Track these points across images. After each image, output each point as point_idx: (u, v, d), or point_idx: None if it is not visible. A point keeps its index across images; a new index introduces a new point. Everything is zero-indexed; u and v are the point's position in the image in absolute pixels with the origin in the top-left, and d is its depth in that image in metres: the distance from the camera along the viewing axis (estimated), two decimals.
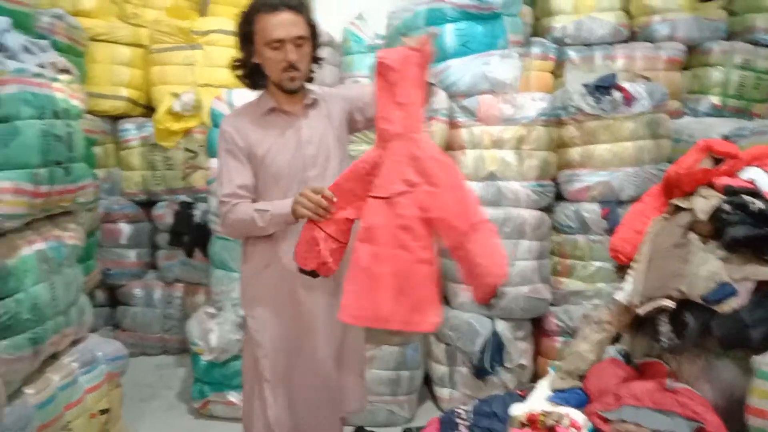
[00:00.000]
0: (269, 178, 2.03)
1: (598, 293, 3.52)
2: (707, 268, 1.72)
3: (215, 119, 3.28)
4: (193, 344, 3.39)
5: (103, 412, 2.83)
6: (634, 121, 3.39)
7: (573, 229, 3.54)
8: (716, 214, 1.81)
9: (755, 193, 1.81)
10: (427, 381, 3.69)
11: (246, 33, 1.98)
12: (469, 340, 3.40)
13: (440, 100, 3.27)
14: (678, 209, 1.99)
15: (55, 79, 2.45)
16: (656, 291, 1.79)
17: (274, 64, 1.97)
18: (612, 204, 3.45)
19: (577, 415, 1.87)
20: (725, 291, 1.69)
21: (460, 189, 1.77)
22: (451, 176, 1.77)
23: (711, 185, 1.92)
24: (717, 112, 4.15)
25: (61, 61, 2.57)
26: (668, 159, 3.51)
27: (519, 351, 3.51)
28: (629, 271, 1.96)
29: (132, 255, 4.34)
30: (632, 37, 4.18)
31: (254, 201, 2.05)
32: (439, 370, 3.59)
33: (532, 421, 1.87)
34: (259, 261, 2.12)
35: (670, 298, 1.78)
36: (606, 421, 1.82)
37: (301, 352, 2.15)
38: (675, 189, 2.03)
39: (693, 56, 4.18)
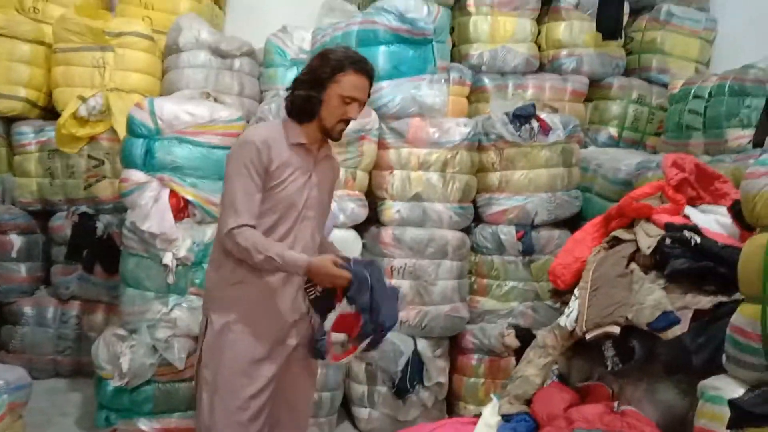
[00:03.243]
0: (274, 203, 2.08)
1: (510, 312, 3.67)
2: (653, 297, 1.86)
3: (134, 128, 3.06)
4: (99, 368, 3.14)
5: None
6: (549, 149, 3.59)
7: (490, 250, 3.67)
8: (658, 248, 1.95)
9: (694, 229, 1.98)
10: (344, 402, 3.65)
11: (324, 76, 2.04)
12: (392, 360, 3.42)
13: (372, 120, 3.28)
14: (617, 240, 2.13)
15: None
16: (604, 318, 1.90)
17: (336, 113, 2.07)
18: (526, 227, 3.62)
19: None
20: (669, 319, 1.83)
21: None
22: None
23: (649, 220, 2.07)
24: (614, 142, 4.47)
25: None
26: (577, 186, 3.74)
27: (437, 369, 3.58)
28: (572, 297, 2.06)
29: (23, 269, 3.99)
30: (542, 68, 4.42)
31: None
32: (359, 390, 3.58)
33: None
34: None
35: (616, 324, 1.90)
36: None
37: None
38: (618, 218, 2.18)
39: (595, 90, 4.48)
